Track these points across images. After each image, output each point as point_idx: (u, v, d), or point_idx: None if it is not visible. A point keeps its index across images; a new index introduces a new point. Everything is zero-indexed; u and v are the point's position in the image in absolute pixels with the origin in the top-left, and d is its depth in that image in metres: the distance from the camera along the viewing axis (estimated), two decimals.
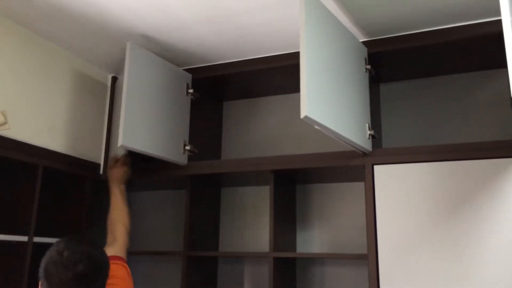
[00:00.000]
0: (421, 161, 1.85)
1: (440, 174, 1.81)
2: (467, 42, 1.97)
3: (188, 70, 2.41)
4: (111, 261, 1.72)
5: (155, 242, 2.65)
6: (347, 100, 1.80)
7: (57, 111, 2.23)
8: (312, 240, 2.34)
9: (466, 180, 1.77)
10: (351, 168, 2.01)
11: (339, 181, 2.34)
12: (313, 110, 1.53)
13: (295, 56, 2.05)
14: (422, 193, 1.82)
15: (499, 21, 1.28)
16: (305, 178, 2.34)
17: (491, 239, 1.69)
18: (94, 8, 1.91)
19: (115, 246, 1.86)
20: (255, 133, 2.61)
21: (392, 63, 2.19)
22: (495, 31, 1.82)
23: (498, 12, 1.75)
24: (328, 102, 1.65)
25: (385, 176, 1.89)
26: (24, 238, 1.97)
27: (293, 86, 2.41)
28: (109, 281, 1.61)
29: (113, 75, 2.57)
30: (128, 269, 1.76)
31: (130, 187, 2.66)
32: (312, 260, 2.31)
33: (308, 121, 1.53)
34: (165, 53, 2.28)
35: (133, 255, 2.57)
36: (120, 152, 2.29)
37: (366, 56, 2.04)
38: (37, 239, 2.01)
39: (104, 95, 2.53)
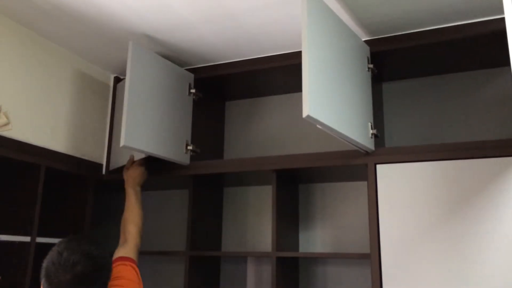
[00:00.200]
0: (424, 160, 1.85)
1: (443, 173, 1.81)
2: (470, 40, 1.96)
3: (190, 70, 2.40)
4: (119, 262, 1.73)
5: (158, 242, 2.65)
6: (350, 99, 1.80)
7: (59, 112, 2.23)
8: (315, 240, 2.34)
9: (469, 179, 1.76)
10: (353, 167, 2.00)
11: (342, 181, 2.34)
12: (315, 109, 1.53)
13: (297, 55, 2.05)
14: (425, 192, 1.82)
15: (502, 19, 1.27)
16: (308, 178, 2.33)
17: (494, 237, 1.68)
18: (95, 8, 1.91)
19: (126, 247, 1.86)
20: (257, 133, 2.61)
21: (394, 62, 2.18)
22: (498, 29, 1.82)
23: (500, 10, 1.74)
24: (330, 101, 1.65)
25: (388, 175, 1.88)
26: (27, 239, 1.97)
27: (296, 85, 2.40)
28: (115, 282, 1.62)
29: (115, 75, 2.57)
30: (138, 271, 1.76)
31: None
32: (315, 259, 2.31)
33: (310, 121, 1.53)
34: (167, 53, 2.28)
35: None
36: (126, 153, 2.29)
37: (369, 55, 2.04)
38: (39, 240, 2.01)
39: (106, 95, 2.53)
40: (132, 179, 2.12)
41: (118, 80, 2.57)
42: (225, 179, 2.43)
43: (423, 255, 1.77)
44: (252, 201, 2.53)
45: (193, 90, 2.36)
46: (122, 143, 1.92)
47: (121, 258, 1.77)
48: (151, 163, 2.25)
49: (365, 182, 2.21)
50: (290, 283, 2.19)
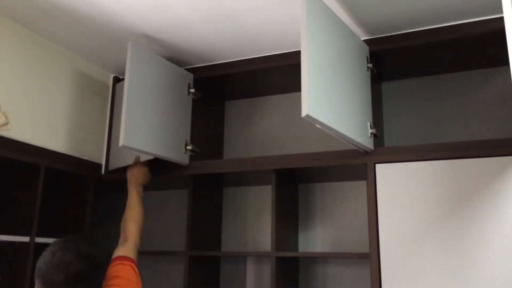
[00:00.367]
0: (423, 159, 1.85)
1: (442, 172, 1.81)
2: (469, 40, 1.96)
3: (189, 70, 2.40)
4: (118, 261, 1.72)
5: (157, 242, 2.65)
6: (349, 99, 1.80)
7: (58, 111, 2.23)
8: (314, 240, 2.34)
9: (468, 179, 1.76)
10: (353, 167, 2.00)
11: (341, 180, 2.34)
12: (315, 109, 1.53)
13: (297, 55, 2.05)
14: (424, 192, 1.82)
15: (501, 19, 1.27)
16: (307, 177, 2.33)
17: (493, 237, 1.68)
18: (95, 8, 1.91)
19: (125, 246, 1.85)
20: (257, 133, 2.61)
21: (393, 61, 2.18)
22: (497, 28, 1.82)
23: (499, 9, 1.74)
24: (330, 101, 1.65)
25: (387, 174, 1.88)
26: (26, 239, 1.97)
27: (295, 85, 2.40)
28: (113, 281, 1.61)
29: (114, 75, 2.57)
30: (136, 270, 1.75)
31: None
32: (314, 259, 2.31)
33: (310, 120, 1.53)
34: (166, 52, 2.28)
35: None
36: (125, 153, 2.29)
37: (368, 55, 2.04)
38: (39, 240, 2.01)
39: (105, 95, 2.53)
40: (136, 179, 2.11)
41: (117, 80, 2.57)
42: (225, 179, 2.43)
43: (423, 254, 1.77)
44: (252, 201, 2.53)
45: (192, 90, 2.36)
46: (121, 143, 1.92)
47: (120, 258, 1.76)
48: (148, 161, 2.25)
49: (365, 182, 2.21)
50: (290, 283, 2.19)
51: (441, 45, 2.01)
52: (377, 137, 1.96)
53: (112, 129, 2.49)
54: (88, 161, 2.36)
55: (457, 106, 2.22)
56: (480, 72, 2.21)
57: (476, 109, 2.18)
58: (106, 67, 2.50)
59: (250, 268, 2.44)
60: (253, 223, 2.49)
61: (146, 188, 2.66)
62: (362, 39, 2.06)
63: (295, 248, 2.31)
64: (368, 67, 2.01)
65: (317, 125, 1.60)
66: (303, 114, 1.49)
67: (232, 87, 2.58)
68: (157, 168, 2.28)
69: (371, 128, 1.91)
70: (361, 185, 2.28)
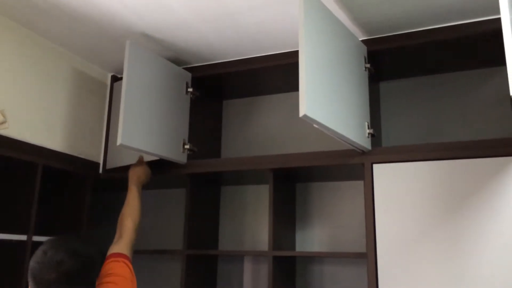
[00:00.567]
0: (421, 159, 1.85)
1: (440, 172, 1.81)
2: (467, 40, 1.96)
3: (187, 69, 2.40)
4: (112, 259, 1.72)
5: (155, 241, 2.65)
6: (346, 99, 1.80)
7: (56, 110, 2.23)
8: (312, 239, 2.34)
9: (466, 179, 1.77)
10: (350, 166, 2.00)
11: (339, 180, 2.34)
12: (312, 108, 1.53)
13: (295, 54, 2.05)
14: (421, 192, 1.82)
15: (498, 19, 1.28)
16: (305, 177, 2.34)
17: (490, 237, 1.69)
18: (93, 7, 1.91)
19: (120, 243, 1.84)
20: (254, 132, 2.61)
21: (391, 61, 2.18)
22: (495, 29, 1.82)
23: (497, 10, 1.75)
24: (327, 101, 1.65)
25: (384, 174, 1.89)
26: (23, 237, 1.97)
27: (293, 84, 2.40)
28: (107, 278, 1.61)
29: (112, 73, 2.57)
30: (131, 267, 1.74)
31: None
32: (311, 258, 2.31)
33: (307, 120, 1.53)
34: (164, 51, 2.28)
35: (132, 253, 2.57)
36: (123, 152, 2.28)
37: (366, 55, 2.04)
38: (36, 238, 2.01)
39: (103, 93, 2.53)
40: (137, 177, 2.10)
41: (115, 79, 2.57)
42: (223, 178, 2.43)
43: (419, 254, 1.78)
44: (249, 200, 2.53)
45: (190, 89, 2.36)
46: (119, 142, 1.92)
47: (114, 255, 1.76)
48: (149, 162, 2.26)
49: (362, 182, 2.21)
50: (287, 282, 2.20)
51: (439, 45, 2.02)
52: (375, 137, 1.96)
53: (110, 128, 2.49)
54: (85, 160, 2.36)
55: (454, 106, 2.22)
56: (477, 72, 2.21)
57: (474, 109, 2.18)
58: (104, 66, 2.49)
59: (247, 267, 2.44)
60: (250, 222, 2.50)
61: (143, 187, 2.67)
62: (360, 39, 2.07)
63: (292, 247, 2.31)
64: (366, 67, 2.01)
65: (314, 125, 1.60)
66: (301, 114, 1.50)
67: (230, 86, 2.58)
68: (155, 167, 2.28)
69: (368, 128, 1.92)
70: (359, 184, 2.29)
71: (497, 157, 1.74)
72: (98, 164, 2.44)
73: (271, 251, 2.04)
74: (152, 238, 2.65)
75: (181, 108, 2.31)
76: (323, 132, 1.69)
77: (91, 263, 1.37)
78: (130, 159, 2.27)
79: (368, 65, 2.02)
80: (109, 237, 2.78)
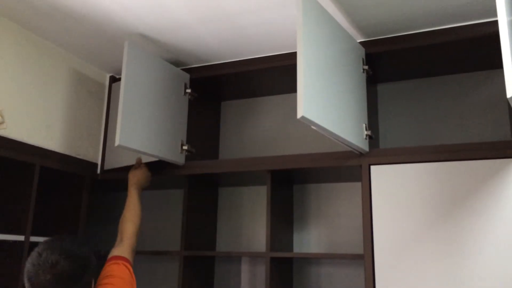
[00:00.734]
0: (418, 161, 1.86)
1: (437, 174, 1.82)
2: (464, 43, 1.97)
3: (186, 70, 2.41)
4: (113, 261, 1.73)
5: (152, 242, 2.65)
6: (344, 101, 1.81)
7: (54, 111, 2.23)
8: (309, 240, 2.35)
9: (463, 181, 1.78)
10: (347, 168, 2.01)
11: (336, 181, 2.34)
12: (310, 110, 1.53)
13: (293, 56, 2.06)
14: (419, 194, 1.83)
15: (496, 22, 1.28)
16: (302, 178, 2.34)
17: (487, 239, 1.69)
18: (91, 7, 1.91)
19: (121, 247, 1.85)
20: (252, 133, 2.62)
21: (389, 63, 2.19)
22: (492, 31, 1.83)
23: (494, 13, 1.76)
24: (325, 103, 1.66)
25: (382, 176, 1.89)
26: (21, 238, 1.97)
27: (291, 86, 2.41)
28: (106, 280, 1.61)
29: (111, 74, 2.57)
30: (131, 270, 1.75)
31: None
32: (309, 260, 2.32)
33: (305, 121, 1.54)
34: (163, 52, 2.28)
35: None
36: (121, 153, 2.28)
37: (364, 57, 2.05)
38: (33, 239, 2.01)
39: (102, 94, 2.53)
40: (137, 180, 2.10)
41: (114, 79, 2.57)
42: (220, 179, 2.44)
43: (416, 256, 1.78)
44: (247, 201, 2.53)
45: (188, 90, 2.36)
46: (117, 143, 1.92)
47: (115, 257, 1.76)
48: (146, 163, 2.26)
49: (359, 183, 2.22)
50: (284, 283, 2.20)
51: (436, 47, 2.02)
52: (372, 139, 1.97)
53: (108, 129, 2.49)
54: (83, 161, 2.36)
55: (451, 108, 2.23)
56: (474, 74, 2.22)
57: (471, 111, 2.19)
58: (103, 66, 2.49)
59: (245, 268, 2.44)
60: (248, 223, 2.50)
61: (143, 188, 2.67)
62: (358, 41, 2.07)
63: (290, 248, 2.32)
64: (363, 69, 2.02)
65: (312, 127, 1.60)
66: (299, 115, 1.50)
67: (228, 88, 2.59)
68: (153, 167, 2.28)
69: (366, 129, 1.92)
70: (356, 186, 2.29)
71: (493, 159, 1.75)
72: (96, 164, 2.44)
73: (269, 252, 2.04)
74: (150, 239, 2.65)
75: (179, 109, 2.31)
76: (321, 134, 1.70)
77: (86, 264, 1.37)
78: (128, 160, 2.28)
79: (366, 67, 2.03)
80: (107, 238, 2.78)
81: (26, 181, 2.04)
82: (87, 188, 2.35)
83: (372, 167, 1.91)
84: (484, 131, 2.13)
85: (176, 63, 2.37)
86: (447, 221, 1.76)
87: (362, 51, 2.05)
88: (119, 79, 2.55)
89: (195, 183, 2.33)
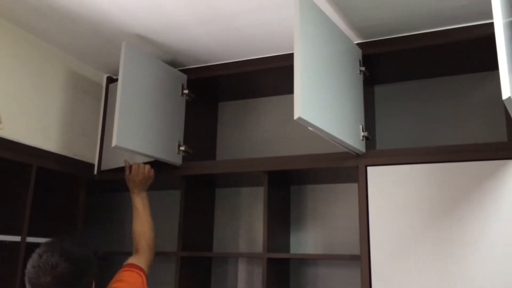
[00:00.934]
0: (414, 162, 1.86)
1: (433, 175, 1.82)
2: (461, 44, 1.98)
3: (183, 71, 2.41)
4: (126, 268, 1.76)
5: None
6: (341, 102, 1.81)
7: (51, 111, 2.23)
8: (306, 241, 2.35)
9: (459, 182, 1.78)
10: (344, 169, 2.01)
11: (333, 182, 2.35)
12: (307, 111, 1.54)
13: (290, 57, 2.06)
14: (415, 195, 1.83)
15: (491, 24, 1.29)
16: (299, 179, 2.34)
17: (483, 240, 1.70)
18: (89, 8, 1.91)
19: (136, 256, 1.88)
20: (249, 134, 2.62)
21: (386, 65, 2.20)
22: (488, 33, 1.83)
23: (490, 15, 1.76)
24: (322, 104, 1.66)
25: (379, 177, 1.90)
26: (17, 238, 1.96)
27: (288, 87, 2.41)
28: (116, 284, 1.65)
29: (108, 75, 2.57)
30: (144, 279, 1.76)
31: (126, 186, 2.67)
32: (306, 260, 2.32)
33: (302, 123, 1.54)
34: (160, 53, 2.28)
35: (126, 255, 2.57)
36: (118, 153, 2.28)
37: (361, 58, 2.05)
38: (30, 239, 2.00)
39: (99, 95, 2.53)
40: (133, 185, 2.04)
41: (111, 80, 2.57)
42: (217, 180, 2.44)
43: (413, 257, 1.78)
44: (244, 202, 2.53)
45: (186, 91, 2.36)
46: (114, 143, 1.91)
47: (130, 265, 1.78)
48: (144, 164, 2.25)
49: (356, 184, 2.22)
50: (281, 284, 2.20)
51: (433, 49, 2.03)
52: (369, 140, 1.97)
53: (105, 129, 2.48)
54: (80, 161, 2.35)
55: (448, 109, 2.24)
56: (471, 76, 2.23)
57: (467, 113, 2.20)
58: (100, 67, 2.49)
59: (242, 269, 2.44)
60: (245, 224, 2.50)
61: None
62: (355, 42, 2.08)
63: (287, 249, 2.32)
64: (360, 70, 2.02)
65: (309, 128, 1.61)
66: (296, 116, 1.50)
67: (225, 89, 2.59)
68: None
69: (363, 131, 1.93)
70: (353, 187, 2.29)
71: (489, 161, 1.76)
72: (93, 165, 2.44)
73: (266, 253, 2.04)
74: None
75: (177, 110, 2.31)
76: (317, 135, 1.70)
77: (87, 265, 1.38)
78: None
79: (363, 68, 2.03)
80: (104, 238, 2.78)
81: (22, 181, 2.04)
82: (84, 189, 2.35)
83: (369, 168, 1.92)
84: (481, 133, 2.14)
85: (173, 63, 2.37)
86: (443, 222, 1.77)
87: (359, 52, 2.05)
88: (116, 80, 2.55)
89: (192, 184, 2.33)
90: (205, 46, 2.20)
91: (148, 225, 1.99)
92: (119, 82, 1.99)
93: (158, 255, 2.58)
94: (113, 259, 2.48)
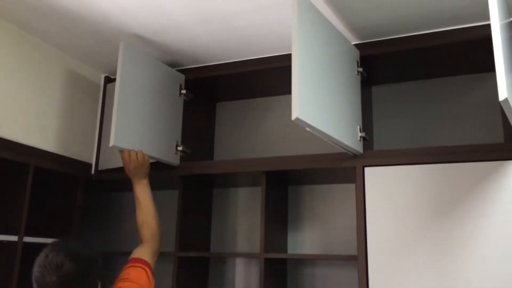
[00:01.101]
0: (412, 163, 1.87)
1: (430, 176, 1.83)
2: (458, 45, 1.98)
3: (181, 71, 2.41)
4: (131, 264, 1.74)
5: None
6: (339, 102, 1.81)
7: (49, 111, 2.22)
8: (303, 241, 2.35)
9: (456, 183, 1.79)
10: (342, 169, 2.02)
11: (330, 183, 2.35)
12: (305, 112, 1.54)
13: (288, 58, 2.06)
14: (412, 195, 1.84)
15: (488, 26, 1.30)
16: (297, 179, 2.35)
17: (481, 241, 1.71)
18: (87, 8, 1.91)
19: (140, 248, 1.84)
20: (247, 134, 2.62)
21: (384, 66, 2.20)
22: (485, 35, 1.84)
23: (487, 16, 1.76)
24: (320, 104, 1.66)
25: (376, 178, 1.90)
26: (14, 238, 1.96)
27: (286, 87, 2.40)
28: (121, 284, 1.64)
29: (106, 75, 2.57)
30: (149, 274, 1.74)
31: (123, 186, 2.67)
32: (303, 261, 2.32)
33: (299, 123, 1.54)
34: (158, 53, 2.28)
35: (124, 255, 2.57)
36: (116, 153, 2.27)
37: (358, 59, 2.06)
38: (27, 239, 2.00)
39: (96, 95, 2.53)
40: (129, 173, 1.98)
41: (108, 80, 2.56)
42: (215, 180, 2.44)
43: (410, 257, 1.79)
44: (242, 202, 2.53)
45: (184, 91, 2.36)
46: (111, 143, 1.92)
47: (134, 260, 1.76)
48: None
49: (354, 185, 2.22)
50: (278, 284, 2.20)
51: (431, 50, 2.04)
52: (367, 141, 1.98)
53: (102, 129, 2.48)
54: (78, 161, 2.35)
55: (445, 110, 2.24)
56: (468, 77, 2.23)
57: (464, 114, 2.21)
58: (98, 67, 2.49)
59: (239, 269, 2.45)
60: (242, 224, 2.50)
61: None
62: (353, 43, 2.08)
63: (284, 249, 2.32)
64: (358, 71, 2.03)
65: (307, 128, 1.61)
66: (293, 117, 1.51)
67: (223, 89, 2.59)
68: None
69: (360, 131, 1.93)
70: (350, 187, 2.30)
71: (486, 162, 1.76)
72: (90, 165, 2.43)
73: (263, 253, 2.05)
74: None
75: (175, 110, 2.31)
76: (315, 135, 1.70)
77: (92, 265, 1.39)
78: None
79: (360, 69, 2.04)
80: (101, 238, 2.78)
81: (20, 181, 2.04)
82: (81, 189, 2.35)
83: (366, 169, 1.92)
84: (477, 134, 2.15)
85: (171, 63, 2.37)
86: (441, 223, 1.77)
87: (356, 53, 2.06)
88: (114, 80, 2.54)
89: (189, 184, 2.33)
90: (203, 46, 2.20)
91: (150, 213, 1.93)
92: (117, 82, 2.00)
93: None
94: (110, 259, 2.48)
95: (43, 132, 2.18)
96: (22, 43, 2.11)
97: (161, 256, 2.56)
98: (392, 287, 1.79)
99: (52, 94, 2.25)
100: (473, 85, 2.22)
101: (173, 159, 2.24)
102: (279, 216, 2.29)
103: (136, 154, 1.98)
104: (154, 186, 2.64)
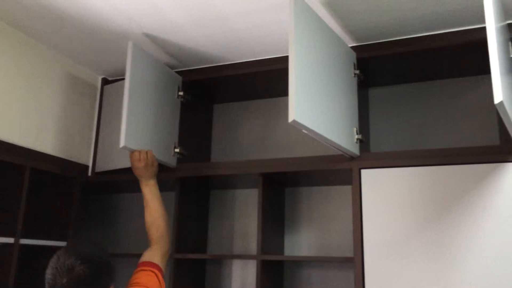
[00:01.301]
0: (408, 165, 1.87)
1: (427, 178, 1.83)
2: (454, 48, 1.99)
3: (178, 73, 2.41)
4: (141, 267, 1.74)
5: (143, 245, 2.62)
6: (335, 105, 1.82)
7: (46, 113, 2.22)
8: (300, 243, 2.35)
9: (452, 185, 1.79)
10: (338, 171, 2.02)
11: (327, 185, 2.35)
12: (301, 114, 1.54)
13: (285, 60, 2.07)
14: (409, 197, 1.84)
15: (484, 28, 1.30)
16: (294, 181, 2.35)
17: (476, 243, 1.71)
18: (85, 10, 1.91)
19: (150, 250, 1.84)
20: (244, 136, 2.62)
21: (380, 68, 2.21)
22: (481, 38, 1.85)
23: (483, 19, 1.78)
24: (316, 107, 1.67)
25: (372, 180, 1.90)
26: (11, 240, 1.95)
27: (283, 90, 2.41)
28: None
29: (103, 76, 2.57)
30: (160, 277, 1.74)
31: (120, 188, 2.67)
32: (300, 263, 2.32)
33: (296, 125, 1.54)
34: (156, 55, 2.28)
35: (120, 257, 2.56)
36: (113, 155, 2.27)
37: (355, 61, 2.06)
38: (23, 241, 2.00)
39: (94, 96, 2.52)
40: (138, 172, 1.98)
41: (106, 81, 2.56)
42: (212, 182, 2.44)
43: (406, 259, 1.79)
44: (239, 204, 2.53)
45: (181, 93, 2.36)
46: (122, 144, 1.92)
47: (144, 263, 1.76)
48: None
49: (350, 187, 2.22)
50: (275, 286, 2.21)
51: (427, 52, 2.04)
52: (363, 143, 1.98)
53: (99, 131, 2.48)
54: (75, 163, 2.35)
55: (442, 113, 2.25)
56: (464, 80, 2.24)
57: (460, 116, 2.21)
58: (95, 69, 2.49)
59: (236, 271, 2.44)
60: (239, 226, 2.50)
61: (133, 190, 2.66)
62: (350, 45, 2.09)
63: (281, 251, 2.32)
64: (355, 73, 2.04)
65: (303, 131, 1.61)
66: (290, 119, 1.51)
67: (220, 91, 2.59)
68: None
69: (357, 133, 1.94)
70: (347, 189, 2.30)
71: (482, 164, 1.77)
72: (87, 166, 2.43)
73: (260, 255, 2.05)
74: (141, 242, 2.63)
75: (172, 112, 2.31)
76: (312, 138, 1.71)
77: (103, 268, 1.39)
78: (120, 163, 2.27)
79: (357, 72, 2.04)
80: (98, 240, 2.77)
81: (16, 183, 2.03)
82: (78, 191, 2.34)
83: (363, 171, 1.93)
84: (474, 136, 2.15)
85: (168, 65, 2.37)
86: (437, 225, 1.78)
87: (353, 55, 2.06)
88: (111, 81, 2.55)
89: (186, 186, 2.33)
90: (200, 48, 2.20)
91: (159, 214, 1.92)
92: (126, 82, 1.99)
93: None
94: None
95: (40, 134, 2.18)
96: (19, 45, 2.10)
97: None
98: None
99: (50, 96, 2.25)
100: (469, 87, 2.23)
101: (170, 160, 2.24)
102: (276, 218, 2.29)
103: (146, 153, 2.00)
104: None
